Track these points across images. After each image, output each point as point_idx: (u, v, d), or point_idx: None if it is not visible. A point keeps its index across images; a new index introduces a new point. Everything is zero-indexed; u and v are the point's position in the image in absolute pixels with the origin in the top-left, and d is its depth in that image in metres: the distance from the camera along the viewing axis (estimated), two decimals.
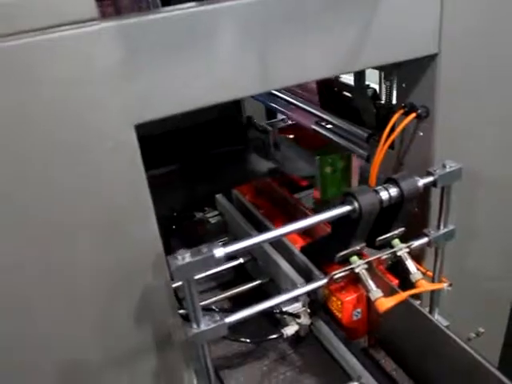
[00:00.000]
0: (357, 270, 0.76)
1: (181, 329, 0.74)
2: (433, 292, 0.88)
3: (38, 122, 0.55)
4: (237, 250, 0.65)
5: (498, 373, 0.63)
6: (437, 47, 0.76)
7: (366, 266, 0.77)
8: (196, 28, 0.60)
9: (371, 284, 0.75)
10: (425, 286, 0.75)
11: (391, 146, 0.90)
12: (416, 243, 0.81)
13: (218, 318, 0.68)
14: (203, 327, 0.67)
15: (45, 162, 0.57)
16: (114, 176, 0.62)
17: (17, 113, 0.54)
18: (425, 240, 0.82)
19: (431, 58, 0.78)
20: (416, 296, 0.80)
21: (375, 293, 0.73)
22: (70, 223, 0.61)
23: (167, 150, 1.49)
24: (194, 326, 0.67)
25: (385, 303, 0.72)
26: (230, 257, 0.67)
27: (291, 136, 1.59)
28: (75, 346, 0.69)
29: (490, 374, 0.64)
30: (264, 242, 0.69)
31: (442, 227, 0.82)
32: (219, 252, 0.63)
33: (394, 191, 0.75)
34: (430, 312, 0.88)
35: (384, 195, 0.74)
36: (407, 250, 0.79)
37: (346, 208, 0.72)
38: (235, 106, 1.67)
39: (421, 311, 0.77)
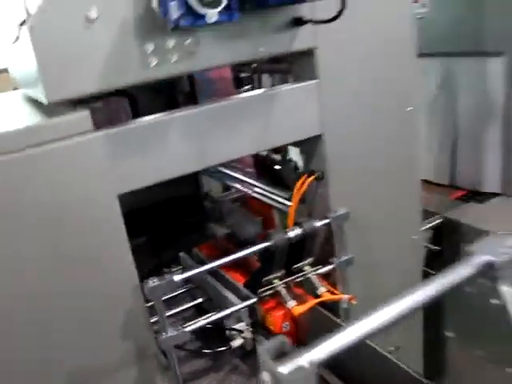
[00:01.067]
0: (278, 289, 1.07)
1: (153, 340, 1.01)
2: (346, 310, 1.18)
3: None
4: (189, 276, 0.95)
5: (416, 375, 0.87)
6: (320, 130, 1.12)
7: (284, 285, 1.08)
8: (157, 130, 0.93)
9: (288, 297, 1.05)
10: (327, 296, 1.05)
11: (303, 201, 1.23)
12: (323, 269, 1.13)
13: (180, 327, 0.96)
14: (170, 333, 0.95)
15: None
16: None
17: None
18: (330, 266, 1.14)
19: (318, 137, 1.14)
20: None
21: (291, 302, 1.03)
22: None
23: (137, 225, 1.79)
24: (163, 333, 0.95)
25: (298, 309, 1.02)
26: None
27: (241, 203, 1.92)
28: (71, 358, 0.94)
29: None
30: (206, 270, 0.99)
31: (342, 256, 1.15)
32: (177, 277, 0.93)
33: (298, 231, 1.07)
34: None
35: (291, 234, 1.06)
36: (315, 273, 1.10)
37: (266, 243, 1.04)
38: (195, 183, 2.01)
39: (333, 319, 1.06)
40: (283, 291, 1.05)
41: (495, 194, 1.90)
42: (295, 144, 1.26)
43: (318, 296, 1.11)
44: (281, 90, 1.06)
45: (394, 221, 1.32)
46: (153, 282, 0.91)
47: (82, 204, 0.88)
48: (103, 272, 0.93)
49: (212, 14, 0.80)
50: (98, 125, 0.89)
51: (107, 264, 0.93)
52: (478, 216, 1.75)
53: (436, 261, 1.77)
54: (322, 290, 1.06)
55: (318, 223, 1.08)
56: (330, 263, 1.15)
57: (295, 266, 1.11)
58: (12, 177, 0.82)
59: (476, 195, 1.94)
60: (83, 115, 0.86)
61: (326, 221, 1.09)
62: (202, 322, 1.00)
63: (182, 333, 0.96)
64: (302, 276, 1.09)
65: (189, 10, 0.79)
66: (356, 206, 1.18)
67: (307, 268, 1.11)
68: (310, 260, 1.12)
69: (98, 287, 0.93)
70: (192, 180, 2.03)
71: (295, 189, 1.19)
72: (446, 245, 1.77)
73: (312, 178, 1.17)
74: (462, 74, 1.88)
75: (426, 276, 1.48)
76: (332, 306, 1.14)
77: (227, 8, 0.82)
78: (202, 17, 0.80)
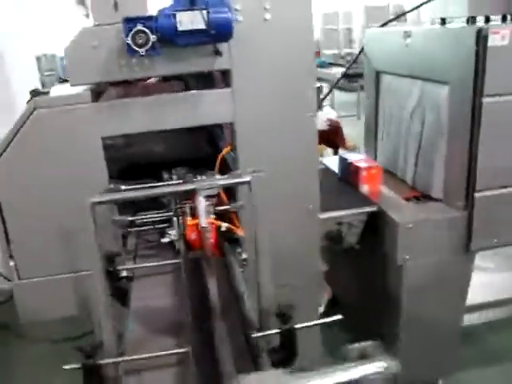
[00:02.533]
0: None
1: None
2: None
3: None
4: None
5: None
6: (232, 119, 1.83)
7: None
8: (129, 105, 1.77)
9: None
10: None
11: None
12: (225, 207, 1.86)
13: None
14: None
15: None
16: None
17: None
18: (228, 206, 1.86)
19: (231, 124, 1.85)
20: None
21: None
22: None
23: None
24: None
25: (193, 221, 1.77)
26: None
27: None
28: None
29: None
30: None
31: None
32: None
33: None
34: None
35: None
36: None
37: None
38: None
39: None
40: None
41: (439, 200, 2.33)
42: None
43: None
44: (206, 92, 1.81)
45: (291, 190, 1.96)
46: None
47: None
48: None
49: (142, 51, 1.60)
50: None
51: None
52: (401, 211, 2.24)
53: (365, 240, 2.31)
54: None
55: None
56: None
57: None
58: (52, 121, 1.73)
59: (425, 198, 2.39)
60: (86, 93, 1.74)
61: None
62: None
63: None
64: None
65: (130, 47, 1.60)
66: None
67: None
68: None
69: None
70: None
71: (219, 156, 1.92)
72: (371, 227, 2.29)
73: (228, 148, 1.89)
74: (430, 95, 2.34)
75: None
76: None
77: (153, 47, 1.61)
78: (137, 51, 1.61)
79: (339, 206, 2.33)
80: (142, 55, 1.61)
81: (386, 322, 2.40)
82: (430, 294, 2.26)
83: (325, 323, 1.39)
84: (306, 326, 1.33)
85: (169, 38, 1.60)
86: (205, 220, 1.71)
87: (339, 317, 1.35)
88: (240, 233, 1.88)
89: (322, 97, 3.40)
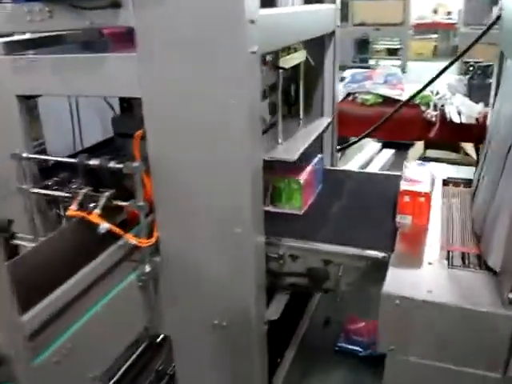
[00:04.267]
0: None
1: None
2: None
3: None
4: None
5: None
6: (141, 94, 1.39)
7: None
8: (42, 64, 1.52)
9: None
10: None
11: None
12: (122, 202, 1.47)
13: None
14: None
15: None
16: None
17: None
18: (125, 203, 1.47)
19: (138, 99, 1.41)
20: None
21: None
22: None
23: None
24: None
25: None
26: None
27: None
28: None
29: None
30: None
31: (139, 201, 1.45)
32: None
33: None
34: None
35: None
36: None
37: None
38: None
39: None
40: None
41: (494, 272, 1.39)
42: None
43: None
44: (108, 55, 1.40)
45: (211, 204, 1.42)
46: None
47: None
48: None
49: None
50: None
51: None
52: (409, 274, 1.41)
53: None
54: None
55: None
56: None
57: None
58: None
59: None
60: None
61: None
62: None
63: None
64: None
65: None
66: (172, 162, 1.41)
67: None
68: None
69: None
70: None
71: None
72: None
73: (139, 133, 1.46)
74: None
75: None
76: None
77: None
78: None
79: (349, 237, 1.66)
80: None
81: None
82: None
83: None
84: None
85: None
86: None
87: None
88: (131, 240, 1.48)
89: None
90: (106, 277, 1.44)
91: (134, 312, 1.59)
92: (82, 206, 1.51)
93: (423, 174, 1.83)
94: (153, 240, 1.52)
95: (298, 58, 1.83)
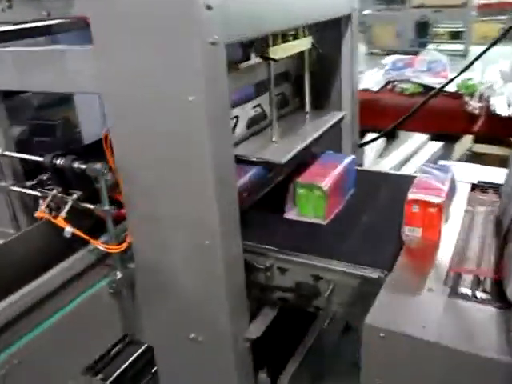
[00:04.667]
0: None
1: None
2: None
3: None
4: None
5: None
6: (100, 90, 1.25)
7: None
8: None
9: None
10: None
11: None
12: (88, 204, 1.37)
13: None
14: None
15: None
16: None
17: None
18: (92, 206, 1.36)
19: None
20: None
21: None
22: None
23: None
24: None
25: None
26: None
27: None
28: None
29: None
30: None
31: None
32: None
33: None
34: None
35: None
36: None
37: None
38: None
39: None
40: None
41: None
42: None
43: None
44: (64, 49, 1.28)
45: (179, 212, 1.28)
46: None
47: None
48: None
49: None
50: None
51: None
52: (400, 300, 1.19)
53: None
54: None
55: None
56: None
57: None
58: None
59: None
60: None
61: None
62: None
63: None
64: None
65: None
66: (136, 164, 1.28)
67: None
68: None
69: None
70: None
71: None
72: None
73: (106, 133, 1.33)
74: None
75: None
76: None
77: None
78: None
79: (355, 251, 1.47)
80: None
81: None
82: None
83: None
84: None
85: None
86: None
87: None
88: (98, 246, 1.37)
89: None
90: (73, 282, 1.37)
91: (108, 319, 1.49)
92: (59, 207, 1.43)
93: (441, 178, 1.58)
94: (124, 246, 1.40)
95: (297, 46, 1.62)
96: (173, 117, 1.18)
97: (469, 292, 1.23)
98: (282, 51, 1.52)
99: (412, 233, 1.46)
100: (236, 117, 1.66)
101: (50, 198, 1.42)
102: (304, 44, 1.68)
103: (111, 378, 1.92)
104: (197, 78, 1.11)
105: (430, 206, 1.42)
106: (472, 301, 1.20)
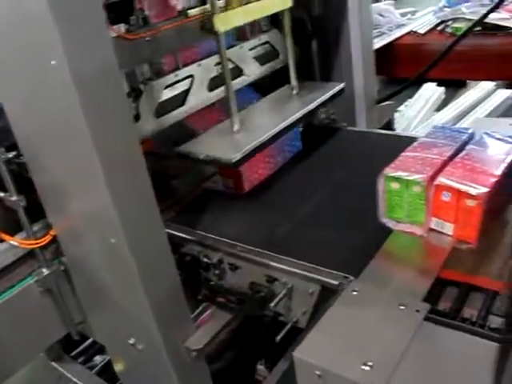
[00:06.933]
0: None
1: None
2: None
3: None
4: None
5: None
6: None
7: None
8: None
9: None
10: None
11: None
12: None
13: None
14: None
15: None
16: None
17: None
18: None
19: None
20: None
21: None
22: None
23: None
24: None
25: None
26: None
27: None
28: None
29: None
30: None
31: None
32: None
33: None
34: None
35: None
36: None
37: None
38: None
39: None
40: None
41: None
42: None
43: None
44: None
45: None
46: None
47: None
48: None
49: None
50: None
51: None
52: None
53: None
54: None
55: None
56: None
57: None
58: None
59: None
60: None
61: None
62: None
63: None
64: None
65: None
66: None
67: None
68: None
69: None
70: None
71: None
72: None
73: None
74: None
75: None
76: None
77: None
78: None
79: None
80: None
81: None
82: None
83: None
84: None
85: None
86: None
87: None
88: (9, 240, 1.17)
89: None
90: None
91: (42, 317, 1.30)
92: None
93: (499, 154, 1.10)
94: (44, 241, 1.19)
95: (256, 11, 1.22)
96: (44, 87, 0.90)
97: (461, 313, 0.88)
98: (230, 19, 1.12)
99: (441, 228, 1.07)
100: (190, 76, 1.35)
101: None
102: (275, 5, 1.26)
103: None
104: (53, 33, 0.82)
105: (469, 197, 1.00)
106: (458, 329, 0.85)
